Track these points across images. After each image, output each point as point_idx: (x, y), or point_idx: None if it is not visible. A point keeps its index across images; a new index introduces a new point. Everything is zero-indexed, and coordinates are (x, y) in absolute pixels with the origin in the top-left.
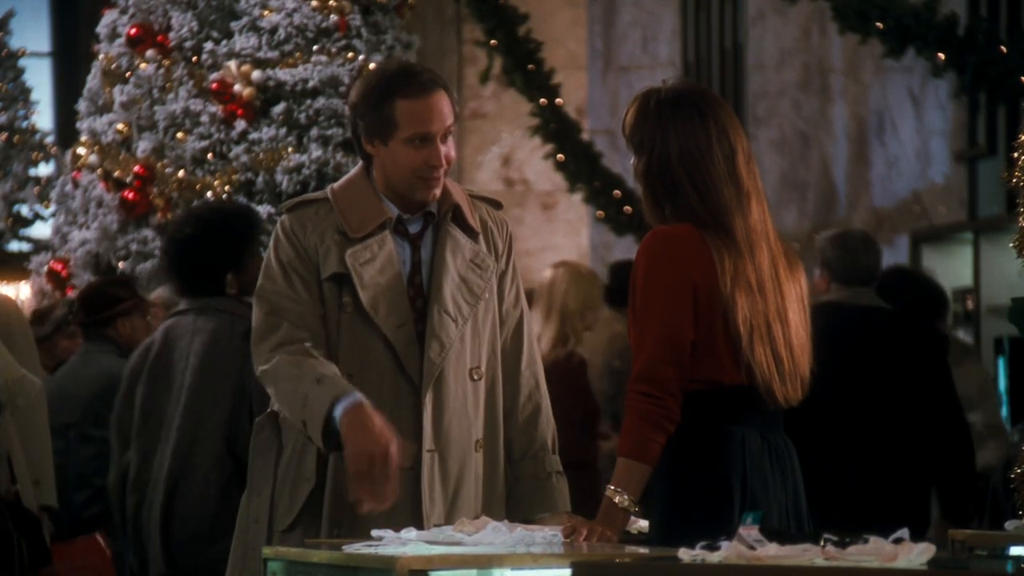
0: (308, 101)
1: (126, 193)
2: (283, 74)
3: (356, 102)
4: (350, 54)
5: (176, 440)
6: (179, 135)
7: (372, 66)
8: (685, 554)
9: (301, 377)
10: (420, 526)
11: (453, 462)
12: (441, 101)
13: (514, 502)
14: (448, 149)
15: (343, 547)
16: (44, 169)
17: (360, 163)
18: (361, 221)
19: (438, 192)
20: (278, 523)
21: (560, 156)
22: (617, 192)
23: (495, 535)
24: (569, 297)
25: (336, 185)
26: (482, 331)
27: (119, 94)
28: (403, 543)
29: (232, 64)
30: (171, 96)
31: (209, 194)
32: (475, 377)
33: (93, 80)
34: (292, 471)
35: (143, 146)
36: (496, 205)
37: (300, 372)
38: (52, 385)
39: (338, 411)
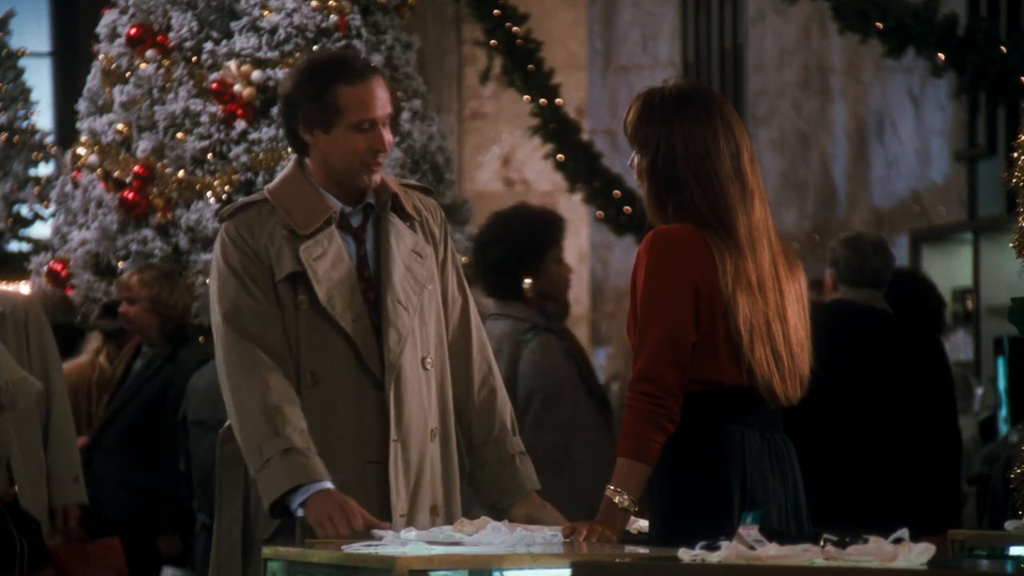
0: None
1: (126, 193)
2: (283, 74)
3: (292, 92)
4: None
5: None
6: (179, 135)
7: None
8: (685, 554)
9: (271, 438)
10: (387, 519)
11: (414, 452)
12: (381, 87)
13: (482, 490)
14: (388, 134)
15: (343, 547)
16: (44, 169)
17: (292, 162)
18: (307, 217)
19: (379, 178)
20: (260, 532)
21: (560, 156)
22: (617, 192)
23: (495, 535)
24: None
25: (271, 186)
26: (428, 320)
27: (119, 94)
28: (403, 543)
29: (232, 64)
30: (171, 96)
31: (209, 194)
32: (427, 366)
33: (93, 80)
34: None
35: (143, 146)
36: (426, 192)
37: (272, 432)
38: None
39: (299, 497)
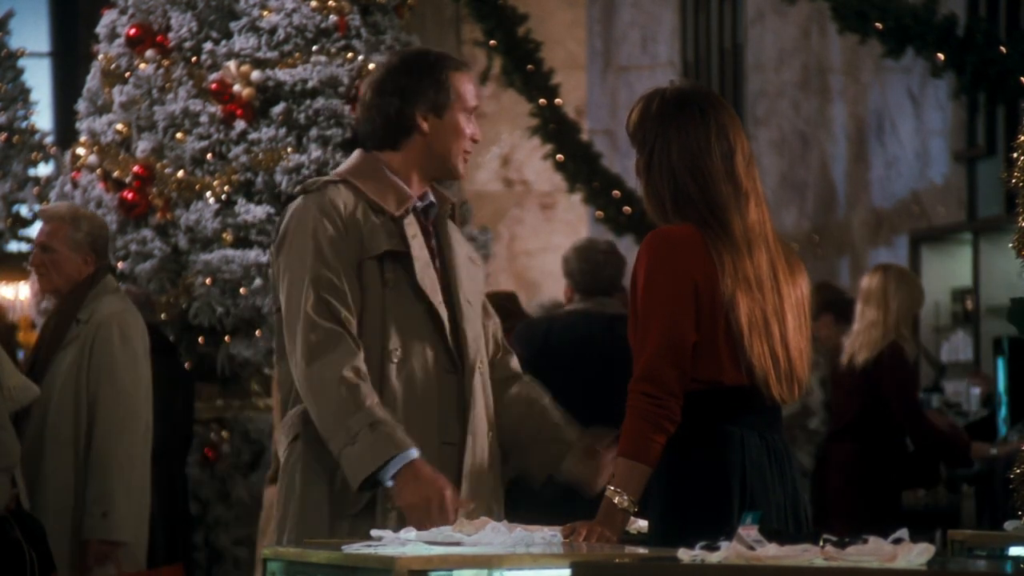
0: (307, 101)
1: (125, 193)
2: (282, 74)
3: (401, 77)
4: (349, 54)
5: None
6: (178, 135)
7: (371, 67)
8: (684, 554)
9: (355, 412)
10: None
11: (478, 448)
12: None
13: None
14: None
15: (342, 547)
16: (43, 169)
17: (357, 153)
18: (397, 200)
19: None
20: (350, 507)
21: (559, 156)
22: (616, 192)
23: (494, 535)
24: (899, 298)
25: (344, 170)
26: (479, 327)
27: (118, 94)
28: (402, 543)
29: (231, 64)
30: (170, 96)
31: (208, 195)
32: (482, 370)
33: (92, 80)
34: None
35: (142, 146)
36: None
37: (354, 406)
38: None
39: (391, 470)
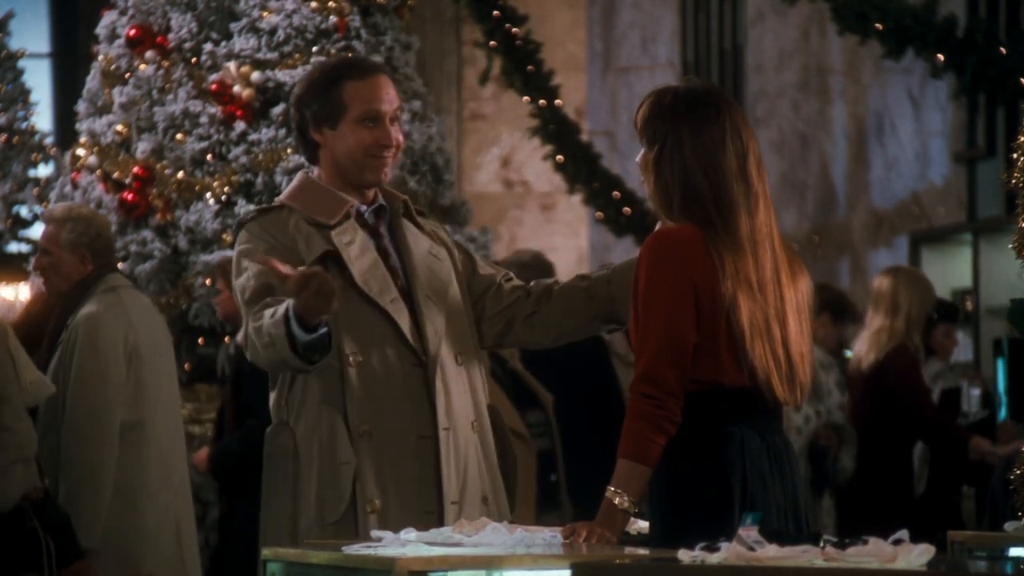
0: None
1: (125, 194)
2: (282, 75)
3: (302, 93)
4: (349, 55)
5: None
6: (178, 136)
7: None
8: (684, 555)
9: (261, 326)
10: (440, 501)
11: (461, 440)
12: (387, 83)
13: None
14: (397, 132)
15: (342, 548)
16: (43, 170)
17: (300, 173)
18: (329, 210)
19: (388, 173)
20: (328, 515)
21: (559, 157)
22: (616, 193)
23: (494, 536)
24: (913, 301)
25: (284, 194)
26: (454, 320)
27: (118, 95)
28: (402, 544)
29: (231, 65)
30: (170, 97)
31: (208, 196)
32: (459, 361)
33: (92, 81)
34: (327, 463)
35: (142, 147)
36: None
37: (260, 322)
38: None
39: (287, 309)
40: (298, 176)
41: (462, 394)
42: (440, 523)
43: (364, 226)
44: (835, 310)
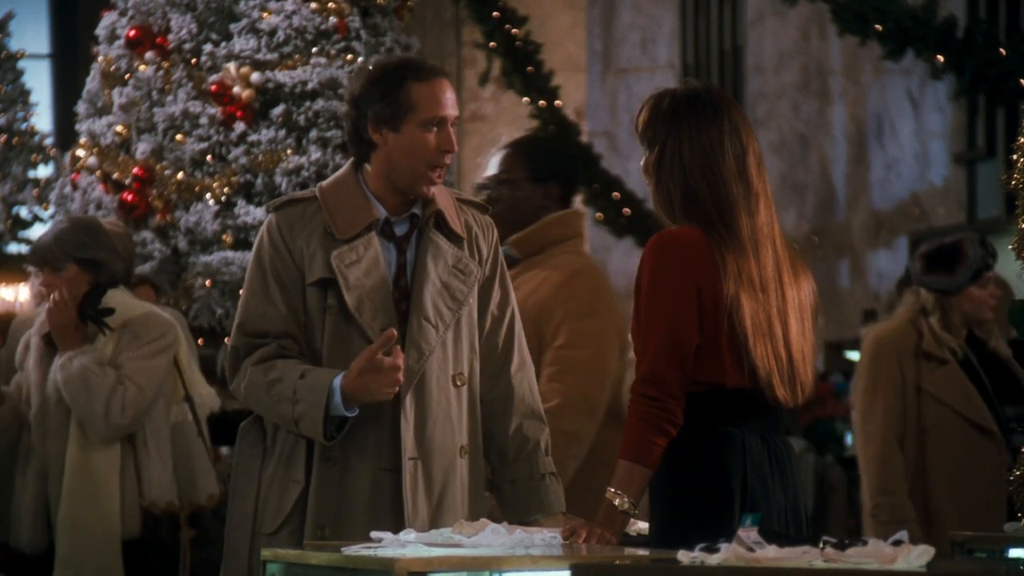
0: (307, 103)
1: (125, 195)
2: (282, 76)
3: (360, 92)
4: (349, 56)
5: None
6: (178, 137)
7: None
8: (684, 556)
9: (282, 379)
10: (402, 528)
11: (438, 469)
12: (449, 87)
13: (508, 504)
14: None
15: (342, 549)
16: (43, 171)
17: (349, 162)
18: (348, 222)
19: (437, 188)
20: (265, 526)
21: None
22: (616, 194)
23: (494, 537)
24: None
25: (325, 183)
26: (463, 337)
27: (118, 96)
28: (402, 545)
29: (231, 66)
30: (170, 98)
31: (208, 196)
32: (458, 383)
33: (92, 82)
34: (280, 474)
35: (142, 148)
36: (483, 209)
37: (279, 375)
38: None
39: (335, 398)
40: (347, 166)
41: (453, 418)
42: None
43: (391, 237)
44: None
